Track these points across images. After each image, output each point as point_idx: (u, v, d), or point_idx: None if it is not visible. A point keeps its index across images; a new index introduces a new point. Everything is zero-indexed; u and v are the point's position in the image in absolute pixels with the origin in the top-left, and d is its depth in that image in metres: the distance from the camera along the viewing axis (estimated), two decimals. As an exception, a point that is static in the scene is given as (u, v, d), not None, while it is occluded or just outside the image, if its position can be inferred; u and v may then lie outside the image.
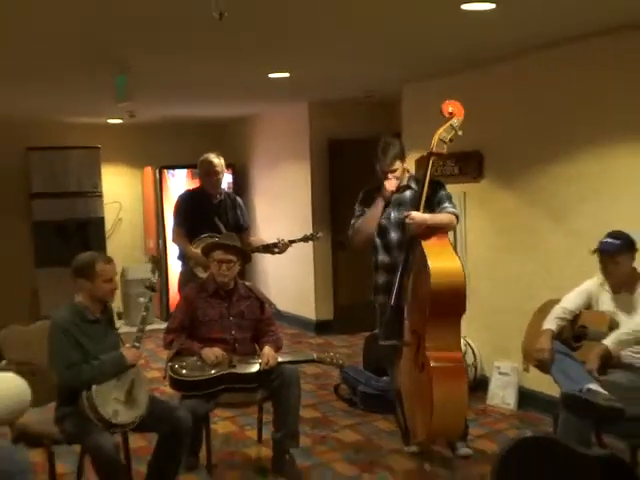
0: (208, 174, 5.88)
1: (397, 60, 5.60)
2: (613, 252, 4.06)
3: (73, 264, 3.91)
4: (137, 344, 3.95)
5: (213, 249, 4.62)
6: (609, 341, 3.93)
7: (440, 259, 4.20)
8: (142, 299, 4.14)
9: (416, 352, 4.34)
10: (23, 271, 8.83)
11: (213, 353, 4.32)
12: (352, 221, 4.80)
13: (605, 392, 3.76)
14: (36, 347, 3.85)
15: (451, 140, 4.40)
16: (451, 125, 4.35)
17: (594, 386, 3.78)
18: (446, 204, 4.60)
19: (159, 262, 4.48)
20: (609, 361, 3.93)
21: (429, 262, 4.16)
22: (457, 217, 4.64)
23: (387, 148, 4.55)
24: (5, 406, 1.24)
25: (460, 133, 4.39)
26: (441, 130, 4.35)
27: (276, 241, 5.70)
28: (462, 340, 4.90)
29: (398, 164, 4.56)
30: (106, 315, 4.01)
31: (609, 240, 4.08)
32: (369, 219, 4.64)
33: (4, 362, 3.40)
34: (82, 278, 3.85)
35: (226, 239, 4.83)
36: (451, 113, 4.38)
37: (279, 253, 5.75)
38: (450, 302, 4.16)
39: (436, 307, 4.15)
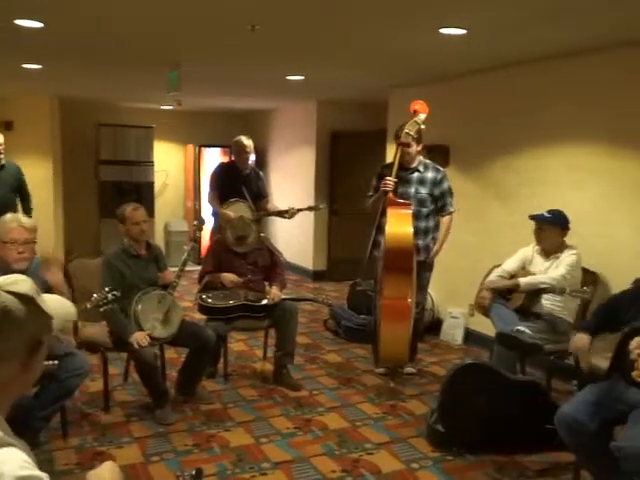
0: (240, 153, 5.81)
1: (386, 72, 5.50)
2: (541, 222, 4.04)
3: (116, 213, 3.96)
4: (177, 280, 3.95)
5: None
6: (522, 280, 3.98)
7: (397, 226, 4.12)
8: (186, 247, 4.14)
9: (379, 298, 4.35)
10: (90, 219, 8.78)
11: (230, 277, 4.41)
12: (369, 192, 4.56)
13: (530, 332, 3.79)
14: (96, 276, 3.87)
15: (418, 132, 4.27)
16: (415, 121, 4.24)
17: (522, 327, 3.81)
18: (447, 200, 4.47)
19: (202, 228, 4.52)
20: (530, 306, 3.99)
21: (387, 227, 4.12)
22: (452, 213, 4.52)
23: (404, 127, 4.30)
24: (62, 315, 1.34)
25: (423, 127, 4.26)
26: (407, 125, 4.26)
27: (287, 208, 5.67)
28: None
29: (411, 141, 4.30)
30: (150, 253, 3.99)
31: (544, 213, 4.04)
32: (375, 202, 4.45)
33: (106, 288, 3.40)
34: (120, 223, 3.91)
35: (243, 230, 4.70)
36: (415, 111, 4.27)
37: (289, 218, 5.70)
38: (399, 260, 4.07)
39: (388, 263, 4.10)
